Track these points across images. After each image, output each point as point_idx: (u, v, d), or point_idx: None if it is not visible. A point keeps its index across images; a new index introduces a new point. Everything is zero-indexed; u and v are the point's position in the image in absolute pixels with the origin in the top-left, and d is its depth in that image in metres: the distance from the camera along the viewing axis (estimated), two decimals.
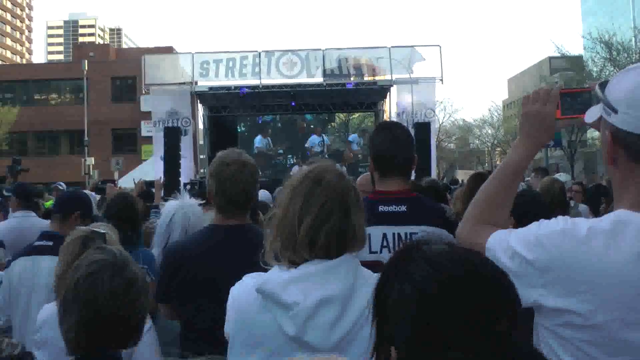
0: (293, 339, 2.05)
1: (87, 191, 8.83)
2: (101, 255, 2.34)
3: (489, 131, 69.61)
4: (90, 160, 38.53)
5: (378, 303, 1.39)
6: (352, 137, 29.75)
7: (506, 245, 1.90)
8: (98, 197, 10.65)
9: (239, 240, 3.25)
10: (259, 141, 28.72)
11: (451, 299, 1.26)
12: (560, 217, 1.91)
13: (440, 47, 25.35)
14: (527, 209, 3.67)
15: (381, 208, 3.41)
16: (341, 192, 2.19)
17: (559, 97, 2.16)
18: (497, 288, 1.28)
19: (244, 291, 2.21)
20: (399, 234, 3.35)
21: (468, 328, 1.23)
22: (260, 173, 3.48)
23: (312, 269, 2.10)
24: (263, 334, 2.11)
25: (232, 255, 3.10)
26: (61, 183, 16.08)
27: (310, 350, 2.05)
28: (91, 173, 37.11)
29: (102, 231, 3.26)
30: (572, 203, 8.89)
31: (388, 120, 23.68)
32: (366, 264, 2.25)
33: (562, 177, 10.57)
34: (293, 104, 26.57)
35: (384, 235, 3.35)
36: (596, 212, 8.06)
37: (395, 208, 3.41)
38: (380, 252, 3.33)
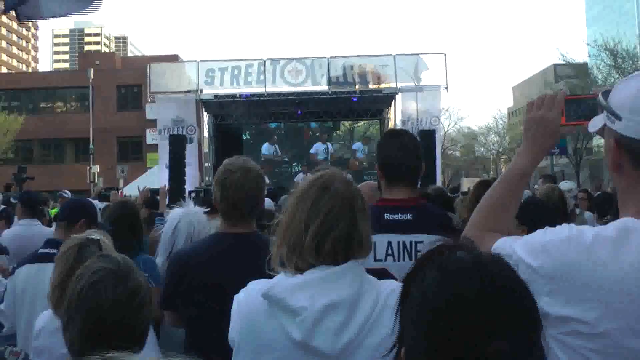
0: (299, 345, 2.06)
1: (91, 199, 8.82)
2: (104, 263, 2.33)
3: (494, 139, 69.55)
4: (96, 168, 38.60)
5: (400, 301, 1.39)
6: (357, 145, 29.71)
7: (511, 252, 1.88)
8: (103, 204, 10.65)
9: (244, 247, 3.25)
10: (265, 148, 28.74)
11: (450, 311, 1.24)
12: (565, 225, 1.90)
13: (445, 55, 25.27)
14: (539, 217, 3.67)
15: (387, 216, 3.42)
16: (348, 199, 2.22)
17: (563, 103, 2.16)
18: (502, 306, 1.24)
19: (249, 297, 2.23)
20: (403, 242, 3.36)
21: (462, 343, 1.21)
22: (268, 181, 3.48)
23: (318, 274, 2.11)
24: (269, 339, 2.12)
25: (237, 263, 3.11)
26: (66, 191, 16.10)
27: (317, 356, 2.05)
28: (96, 181, 37.17)
29: (97, 237, 3.25)
30: (578, 210, 8.86)
31: (396, 127, 23.59)
32: (371, 272, 2.27)
33: (567, 184, 10.54)
34: (300, 112, 26.54)
35: (389, 244, 3.36)
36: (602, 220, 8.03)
37: (400, 216, 3.43)
38: (385, 260, 3.34)
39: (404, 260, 3.33)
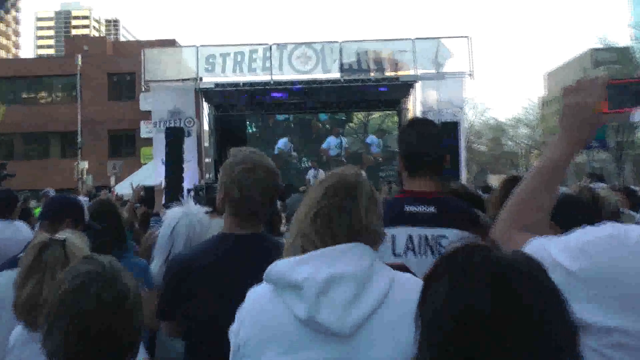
0: (306, 323, 2.09)
1: (81, 197, 8.83)
2: (88, 266, 2.31)
3: (525, 131, 69.23)
4: (84, 164, 38.74)
5: (418, 309, 1.38)
6: (371, 138, 29.76)
7: (545, 254, 1.84)
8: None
9: (251, 249, 3.21)
10: (283, 144, 28.85)
11: (460, 331, 1.22)
12: (608, 223, 1.88)
13: (469, 38, 25.20)
14: (576, 217, 3.63)
15: (408, 208, 3.44)
16: (351, 181, 2.35)
17: (605, 88, 2.13)
18: (518, 324, 1.21)
19: (254, 293, 2.30)
20: (425, 236, 3.38)
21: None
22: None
23: (322, 251, 2.19)
24: (275, 326, 2.16)
25: (244, 267, 3.08)
26: (51, 189, 16.13)
27: (327, 336, 2.06)
28: (85, 178, 37.28)
29: (62, 238, 3.20)
30: (623, 210, 8.78)
31: (418, 116, 23.43)
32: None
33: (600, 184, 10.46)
34: (306, 105, 26.53)
35: (410, 237, 3.39)
36: None
37: (423, 208, 3.45)
38: (405, 254, 3.37)
39: (425, 255, 3.35)
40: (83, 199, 7.10)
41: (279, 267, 2.18)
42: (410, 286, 2.12)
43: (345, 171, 2.39)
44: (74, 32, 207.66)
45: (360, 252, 2.19)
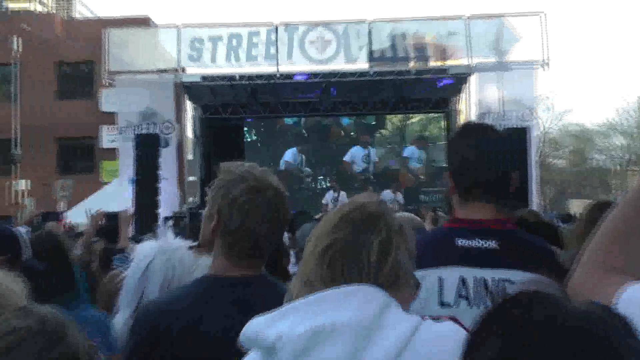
0: None
1: (19, 228, 8.85)
2: (24, 320, 2.24)
3: (620, 142, 68.73)
4: (22, 184, 38.82)
5: None
6: (409, 150, 29.74)
7: None
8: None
9: (250, 299, 3.10)
10: (290, 156, 28.89)
11: None
12: None
13: (543, 15, 25.19)
14: None
15: (460, 242, 3.39)
16: (371, 210, 2.37)
17: None
18: None
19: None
20: (484, 280, 3.31)
21: None
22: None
23: (310, 298, 2.19)
24: None
25: (237, 320, 3.06)
26: None
27: None
28: (25, 202, 37.39)
29: None
30: None
31: (474, 121, 23.21)
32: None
33: None
34: (328, 104, 26.60)
35: (463, 280, 3.31)
36: None
37: (481, 243, 3.38)
38: (457, 304, 3.30)
39: (484, 305, 3.23)
40: (22, 229, 7.09)
41: (252, 326, 2.20)
42: (445, 337, 2.13)
43: (367, 198, 2.40)
44: (10, 6, 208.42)
45: (364, 295, 2.18)
